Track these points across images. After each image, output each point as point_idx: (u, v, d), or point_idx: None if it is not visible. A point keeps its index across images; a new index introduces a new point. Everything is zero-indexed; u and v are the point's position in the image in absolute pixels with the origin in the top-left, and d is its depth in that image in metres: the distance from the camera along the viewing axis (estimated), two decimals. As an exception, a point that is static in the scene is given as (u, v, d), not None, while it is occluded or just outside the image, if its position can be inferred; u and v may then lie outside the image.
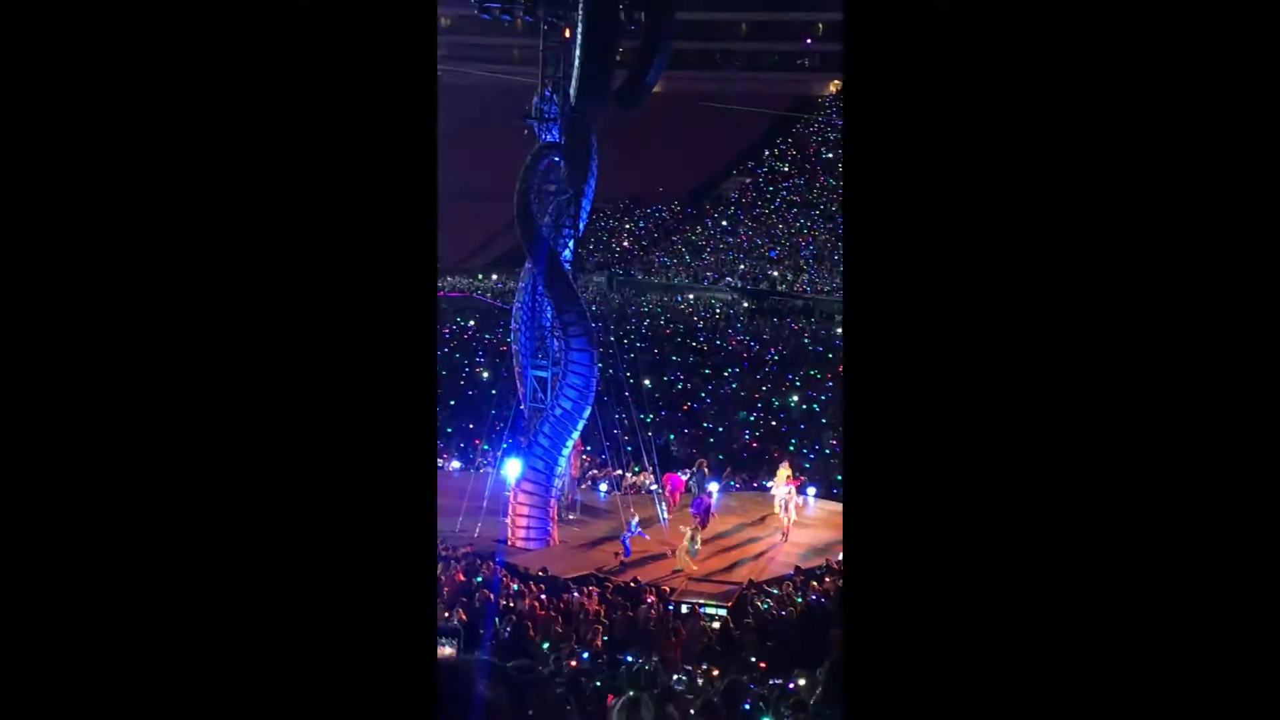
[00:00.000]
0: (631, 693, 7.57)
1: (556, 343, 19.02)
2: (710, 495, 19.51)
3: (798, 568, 17.35)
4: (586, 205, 20.18)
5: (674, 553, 17.73)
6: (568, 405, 18.46)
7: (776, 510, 19.94)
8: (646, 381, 26.74)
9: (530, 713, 1.92)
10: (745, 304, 48.15)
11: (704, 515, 18.79)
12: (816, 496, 21.01)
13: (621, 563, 17.64)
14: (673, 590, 16.41)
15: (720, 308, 47.22)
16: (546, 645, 12.44)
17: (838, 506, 20.68)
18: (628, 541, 17.88)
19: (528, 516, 18.63)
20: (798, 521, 19.71)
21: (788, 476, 20.04)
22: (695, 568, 17.44)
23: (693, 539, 17.79)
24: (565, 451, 18.78)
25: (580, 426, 18.65)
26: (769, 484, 22.60)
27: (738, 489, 22.40)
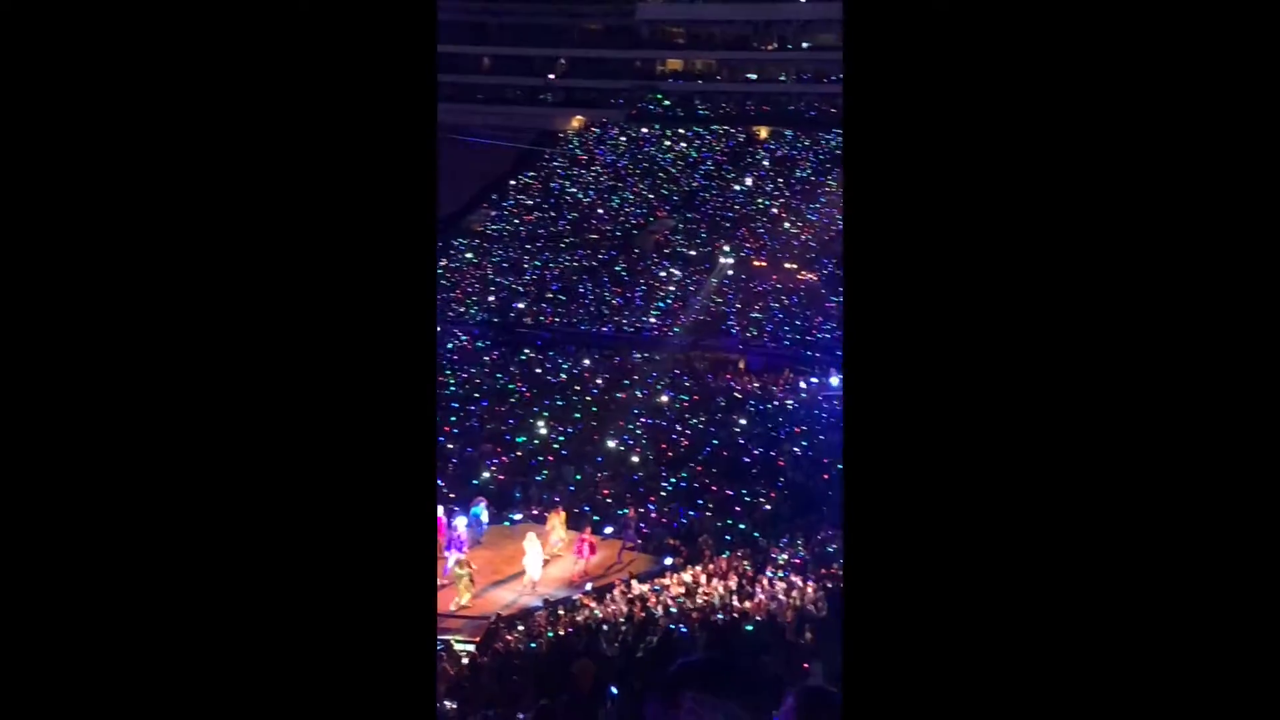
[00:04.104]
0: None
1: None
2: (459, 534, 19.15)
3: (546, 600, 17.36)
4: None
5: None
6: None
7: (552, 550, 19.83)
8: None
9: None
10: (490, 337, 47.89)
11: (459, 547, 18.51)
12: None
13: None
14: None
15: (465, 340, 46.80)
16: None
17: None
18: None
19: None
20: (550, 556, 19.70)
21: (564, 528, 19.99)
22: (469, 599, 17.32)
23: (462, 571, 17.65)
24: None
25: None
26: (516, 516, 22.48)
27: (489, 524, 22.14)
